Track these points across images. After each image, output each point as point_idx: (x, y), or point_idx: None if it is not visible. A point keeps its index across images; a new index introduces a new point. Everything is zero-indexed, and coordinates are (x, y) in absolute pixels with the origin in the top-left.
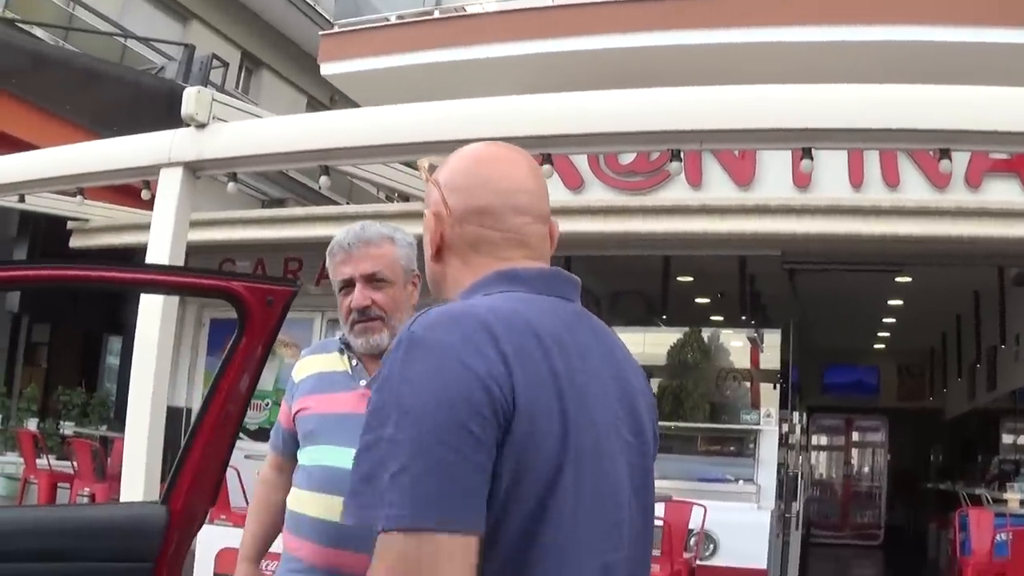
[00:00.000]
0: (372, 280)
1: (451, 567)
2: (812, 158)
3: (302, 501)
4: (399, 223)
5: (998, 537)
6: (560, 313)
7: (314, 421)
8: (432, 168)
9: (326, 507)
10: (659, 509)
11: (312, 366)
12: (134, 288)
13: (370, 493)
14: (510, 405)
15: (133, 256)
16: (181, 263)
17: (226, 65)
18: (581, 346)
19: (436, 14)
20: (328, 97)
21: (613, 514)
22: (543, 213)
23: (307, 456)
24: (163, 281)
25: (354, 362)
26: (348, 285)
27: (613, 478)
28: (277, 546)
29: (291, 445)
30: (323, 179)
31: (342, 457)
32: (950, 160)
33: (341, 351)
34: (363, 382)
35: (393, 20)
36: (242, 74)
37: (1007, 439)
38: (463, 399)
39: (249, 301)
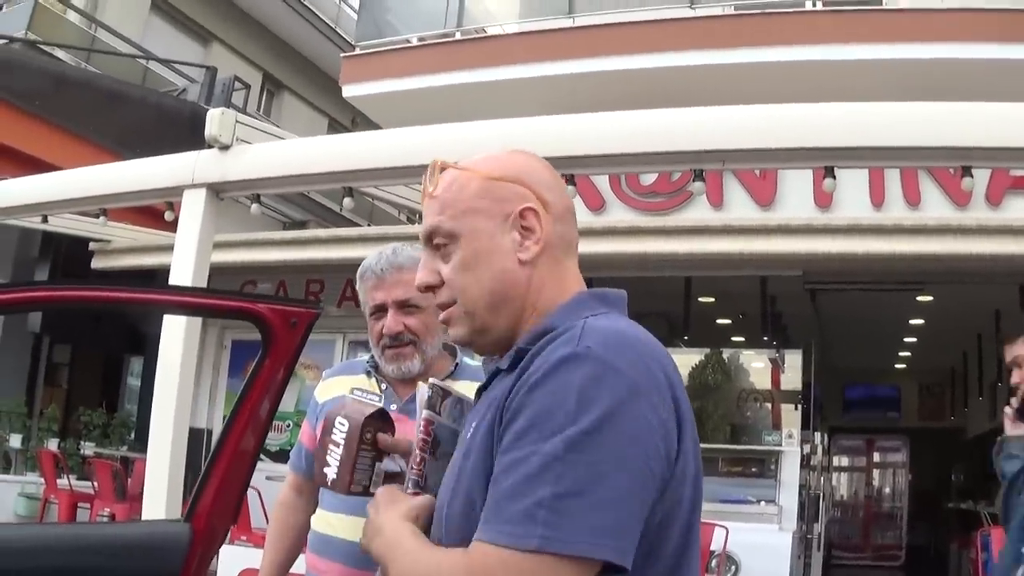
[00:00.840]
0: (404, 306)
1: None
2: (835, 177)
3: (332, 523)
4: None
5: None
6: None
7: None
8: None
9: (359, 530)
10: None
11: (338, 387)
12: (158, 309)
13: (520, 509)
14: (675, 449)
15: (155, 277)
16: (204, 284)
17: (248, 87)
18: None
19: (457, 36)
20: (350, 119)
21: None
22: None
23: None
24: (187, 303)
25: (384, 385)
26: (379, 310)
27: (694, 528)
28: (297, 567)
29: (313, 465)
30: (346, 200)
31: None
32: (972, 177)
33: (369, 373)
34: (394, 406)
35: (414, 42)
36: (264, 96)
37: None
38: (648, 436)
39: (273, 323)
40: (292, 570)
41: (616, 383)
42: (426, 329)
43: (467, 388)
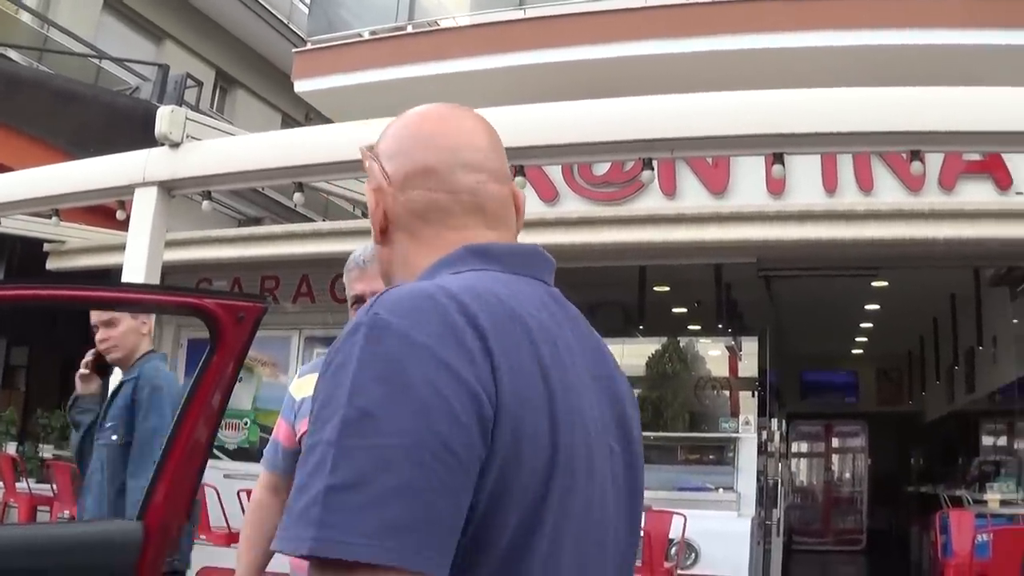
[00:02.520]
0: (362, 301)
1: None
2: (783, 164)
3: None
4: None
5: (979, 538)
6: (542, 299)
7: None
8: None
9: None
10: None
11: (312, 385)
12: (106, 306)
13: (298, 508)
14: (493, 413)
15: (110, 277)
16: (157, 282)
17: (200, 84)
18: (566, 338)
19: (409, 29)
20: (303, 114)
21: (597, 534)
22: (500, 172)
23: None
24: (135, 299)
25: None
26: (359, 301)
27: (600, 495)
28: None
29: (290, 464)
30: (297, 196)
31: None
32: (921, 162)
33: None
34: None
35: (366, 36)
36: (217, 93)
37: (987, 440)
38: (443, 406)
39: (221, 318)
40: (269, 569)
41: (400, 351)
42: None
43: None
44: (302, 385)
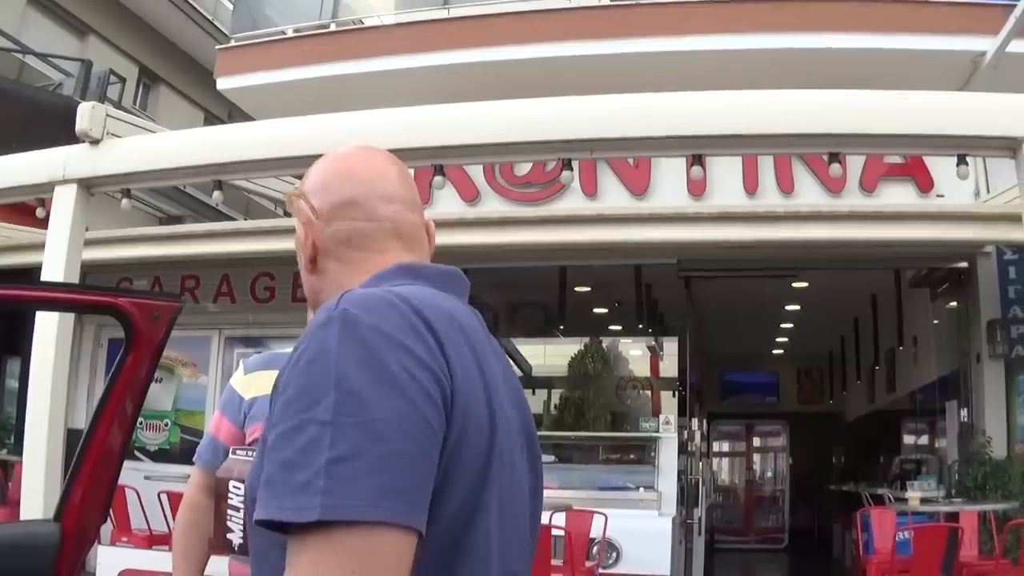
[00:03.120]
0: None
1: (400, 565)
2: (703, 165)
3: None
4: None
5: (900, 535)
6: (466, 312)
7: None
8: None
9: None
10: (560, 518)
11: (264, 384)
12: (19, 305)
13: (296, 482)
14: (450, 397)
15: (32, 276)
16: (76, 281)
17: (123, 81)
18: (484, 347)
19: (333, 27)
20: (226, 112)
21: (519, 523)
22: (413, 201)
23: None
24: (48, 298)
25: None
26: None
27: (520, 486)
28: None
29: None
30: (216, 194)
31: None
32: (841, 164)
33: None
34: None
35: (290, 34)
36: (140, 90)
37: (908, 439)
38: (416, 385)
39: (135, 316)
40: (207, 573)
41: (374, 340)
42: None
43: None
44: (253, 383)
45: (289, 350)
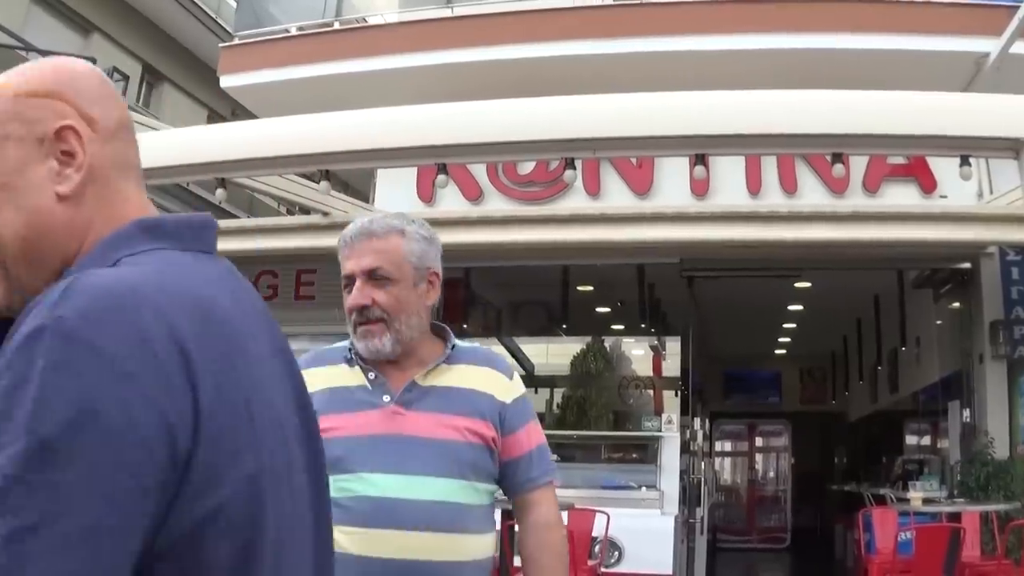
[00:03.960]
0: (373, 276)
1: None
2: (706, 165)
3: (336, 538)
4: (298, 236)
5: (902, 536)
6: (223, 278)
7: (340, 446)
8: None
9: (376, 542)
10: (563, 517)
11: (315, 381)
12: None
13: None
14: (190, 438)
15: None
16: None
17: (127, 78)
18: (249, 321)
19: (337, 26)
20: (230, 110)
21: (300, 532)
22: None
23: (337, 487)
24: None
25: (371, 375)
26: (350, 282)
27: (299, 488)
28: None
29: None
30: (219, 192)
31: (388, 485)
32: (843, 164)
33: (350, 361)
34: (387, 397)
35: (294, 32)
36: (143, 87)
37: (911, 440)
38: (135, 436)
39: None
40: None
41: (90, 368)
42: (399, 304)
43: (466, 374)
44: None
45: (340, 344)
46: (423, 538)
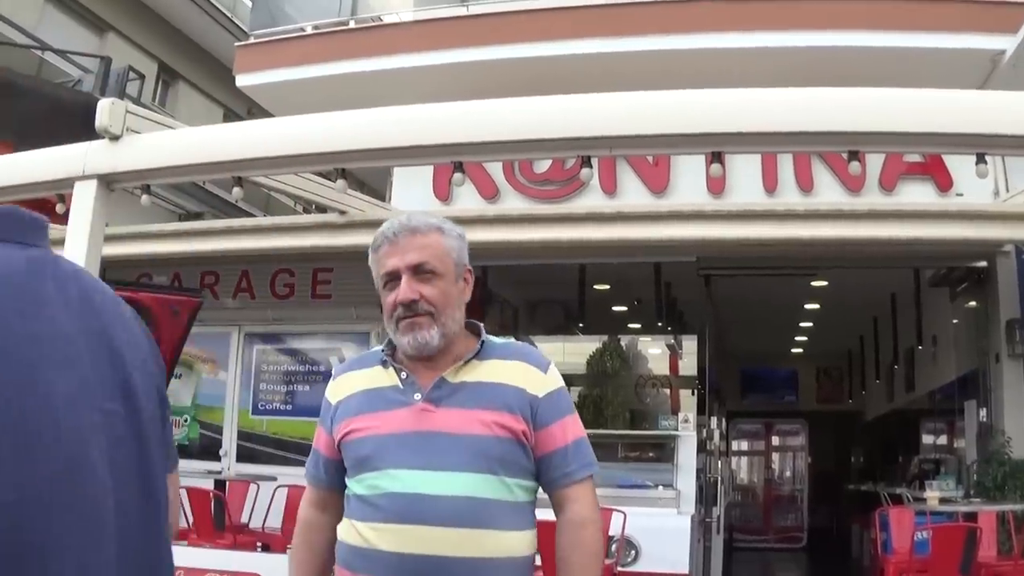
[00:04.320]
0: (419, 271)
1: None
2: (722, 163)
3: (367, 535)
4: (315, 235)
5: (919, 535)
6: (10, 261)
7: (369, 445)
8: None
9: (404, 538)
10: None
11: (353, 384)
12: None
13: None
14: None
15: None
16: (96, 277)
17: (142, 77)
18: (36, 296)
19: (352, 24)
20: (246, 109)
21: (83, 507)
22: None
23: (367, 485)
24: None
25: (403, 374)
26: (393, 279)
27: (80, 463)
28: None
29: (335, 475)
30: (236, 190)
31: (414, 481)
32: (860, 162)
33: (384, 363)
34: (418, 395)
35: (309, 31)
36: (159, 86)
37: (927, 439)
38: None
39: (155, 311)
40: None
41: None
42: (444, 298)
43: (496, 368)
44: (340, 386)
45: (376, 348)
46: (450, 533)
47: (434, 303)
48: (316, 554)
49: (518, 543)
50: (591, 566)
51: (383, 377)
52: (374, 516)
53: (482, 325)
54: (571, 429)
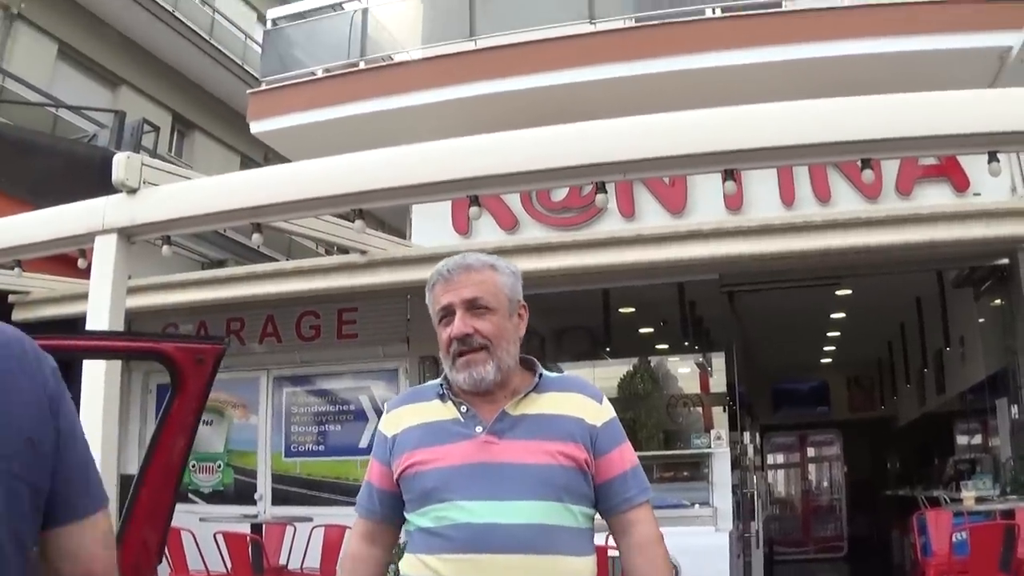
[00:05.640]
0: (473, 307)
1: None
2: (736, 180)
3: (436, 567)
4: (337, 276)
5: (957, 536)
6: None
7: (434, 477)
8: None
9: (477, 567)
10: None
11: (410, 417)
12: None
13: None
14: None
15: (76, 326)
16: (120, 329)
17: (157, 129)
18: None
19: (362, 65)
20: (262, 155)
21: None
22: None
23: (433, 517)
24: (93, 346)
25: (463, 408)
26: (448, 314)
27: None
28: None
29: (389, 508)
30: (256, 236)
31: (483, 511)
32: (872, 170)
33: (442, 396)
34: (479, 428)
35: (320, 74)
36: (174, 137)
37: (961, 440)
38: None
39: (180, 361)
40: None
41: None
42: (499, 333)
43: (554, 400)
44: (395, 420)
45: (431, 383)
46: (522, 560)
47: (488, 337)
48: None
49: (583, 567)
50: None
51: (442, 411)
52: (444, 547)
53: (535, 360)
54: (628, 456)
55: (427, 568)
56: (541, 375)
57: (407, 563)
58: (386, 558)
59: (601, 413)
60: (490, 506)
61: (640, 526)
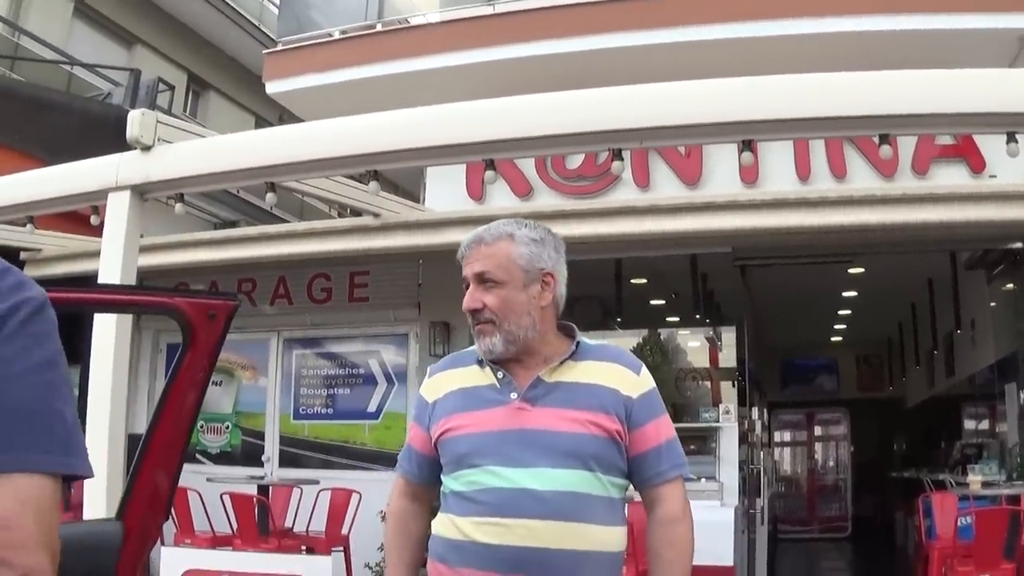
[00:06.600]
0: (482, 280)
1: None
2: (753, 151)
3: (466, 529)
4: (350, 239)
5: (962, 520)
6: None
7: (467, 443)
8: None
9: (506, 531)
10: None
11: (449, 382)
12: (75, 308)
13: None
14: None
15: (88, 283)
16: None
17: (172, 88)
18: None
19: (379, 28)
20: (276, 116)
21: None
22: None
23: (465, 481)
24: (105, 300)
25: (500, 374)
26: (467, 287)
27: None
28: None
29: (429, 471)
30: (269, 196)
31: (514, 477)
32: (890, 146)
33: (481, 363)
34: (514, 394)
35: (336, 36)
36: (189, 96)
37: (969, 424)
38: None
39: (191, 316)
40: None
41: None
42: (506, 307)
43: (590, 369)
44: (437, 385)
45: (472, 348)
46: (553, 527)
47: (495, 311)
48: (412, 540)
49: (613, 538)
50: (681, 562)
51: (479, 376)
52: (474, 511)
53: (574, 327)
54: (664, 429)
55: (458, 530)
56: (579, 343)
57: (439, 522)
58: (428, 512)
59: (638, 384)
60: (520, 472)
61: (666, 504)
